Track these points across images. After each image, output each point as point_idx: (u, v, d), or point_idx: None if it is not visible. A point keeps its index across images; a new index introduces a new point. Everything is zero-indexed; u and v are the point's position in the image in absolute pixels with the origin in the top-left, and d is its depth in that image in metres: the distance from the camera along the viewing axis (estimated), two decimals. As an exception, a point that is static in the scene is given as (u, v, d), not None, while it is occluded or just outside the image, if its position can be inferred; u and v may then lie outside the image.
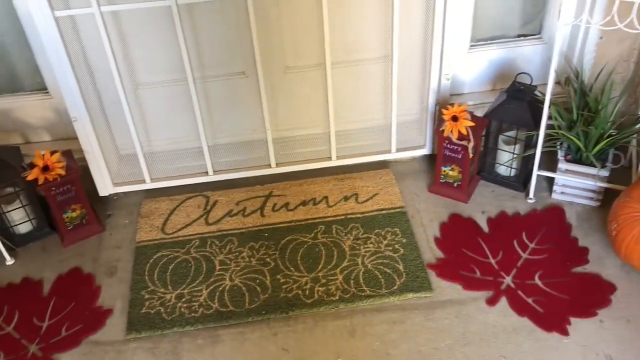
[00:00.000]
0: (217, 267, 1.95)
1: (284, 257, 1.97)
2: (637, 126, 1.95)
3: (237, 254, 2.00)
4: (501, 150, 2.14)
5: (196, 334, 1.78)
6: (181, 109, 2.14)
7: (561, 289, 1.82)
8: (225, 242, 2.04)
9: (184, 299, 1.86)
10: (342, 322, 1.79)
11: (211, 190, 2.23)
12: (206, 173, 2.20)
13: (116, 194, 2.24)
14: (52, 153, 1.96)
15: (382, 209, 2.12)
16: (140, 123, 2.17)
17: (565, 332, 1.71)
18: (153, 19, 1.95)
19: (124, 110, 2.03)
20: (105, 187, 2.17)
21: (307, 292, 1.86)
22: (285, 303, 1.83)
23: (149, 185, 2.20)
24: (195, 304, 1.85)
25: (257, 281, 1.90)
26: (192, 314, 1.82)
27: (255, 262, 1.96)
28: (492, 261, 1.92)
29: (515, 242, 1.97)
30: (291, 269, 1.93)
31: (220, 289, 1.88)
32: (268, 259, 1.97)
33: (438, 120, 2.13)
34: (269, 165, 2.22)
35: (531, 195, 2.11)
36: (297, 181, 2.24)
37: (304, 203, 2.16)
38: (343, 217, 2.10)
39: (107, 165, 2.13)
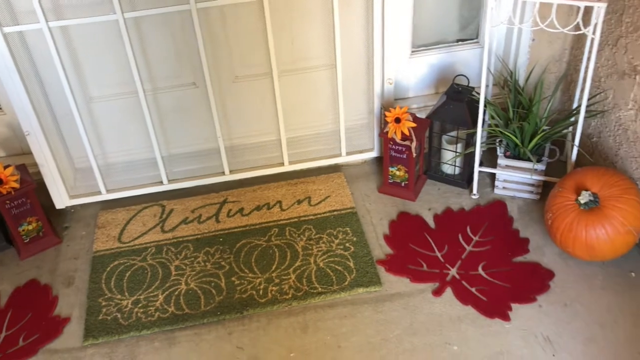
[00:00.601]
0: (173, 273, 2.00)
1: (238, 260, 2.03)
2: (567, 121, 2.07)
3: (192, 259, 2.05)
4: (445, 149, 2.24)
5: (153, 337, 1.82)
6: (134, 121, 2.20)
7: (503, 278, 1.92)
8: (180, 248, 2.09)
9: (140, 305, 1.90)
10: (295, 319, 1.85)
11: (167, 199, 2.28)
12: (161, 183, 2.25)
13: (73, 207, 2.27)
14: (6, 167, 1.99)
15: (334, 210, 2.19)
16: (94, 136, 2.22)
17: (506, 318, 1.80)
18: (102, 33, 2.01)
19: (77, 123, 2.08)
20: (61, 199, 2.20)
21: (261, 292, 1.92)
22: (240, 303, 1.89)
23: (105, 196, 2.24)
24: (151, 308, 1.89)
25: (213, 284, 1.95)
26: (149, 318, 1.86)
27: (210, 266, 2.02)
28: (438, 254, 2.01)
29: (460, 236, 2.07)
30: (245, 271, 1.99)
31: (176, 293, 1.93)
32: (223, 263, 2.02)
33: (384, 123, 2.22)
34: (223, 173, 2.28)
35: (475, 191, 2.20)
36: (251, 187, 2.31)
37: (258, 208, 2.22)
38: (296, 219, 2.17)
39: (62, 178, 2.17)
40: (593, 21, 1.77)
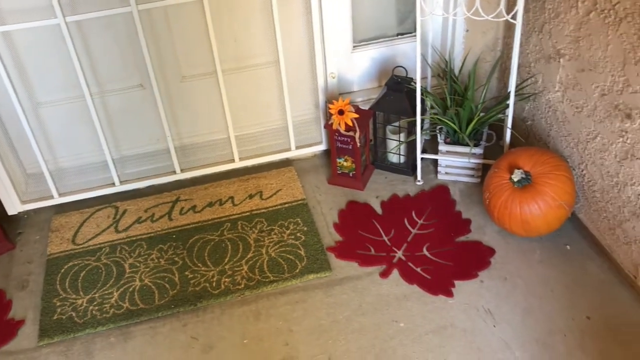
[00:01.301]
0: (127, 271, 2.03)
1: (191, 255, 2.07)
2: (500, 105, 2.17)
3: (146, 256, 2.08)
4: (389, 139, 2.32)
5: (108, 333, 1.85)
6: (83, 125, 2.23)
7: (446, 257, 2.00)
8: (134, 247, 2.12)
9: (95, 303, 1.93)
10: (248, 307, 1.90)
11: (120, 201, 2.31)
12: (113, 184, 2.29)
13: (26, 212, 2.28)
14: (-46, 175, 2.01)
15: (285, 203, 2.26)
16: (44, 141, 2.24)
17: (450, 294, 1.88)
18: (45, 38, 2.04)
19: (25, 129, 2.10)
20: (13, 205, 2.22)
21: (214, 284, 1.97)
22: (194, 296, 1.93)
23: (58, 200, 2.26)
24: (106, 305, 1.92)
25: (166, 279, 1.99)
26: (104, 315, 1.89)
27: (164, 262, 2.06)
28: (385, 239, 2.09)
29: (405, 220, 2.15)
30: (199, 265, 2.04)
31: (131, 289, 1.97)
32: (176, 258, 2.07)
33: (329, 116, 2.29)
34: (174, 172, 2.33)
35: (419, 178, 2.29)
36: (203, 185, 2.36)
37: (210, 204, 2.27)
38: (248, 213, 2.23)
39: (13, 184, 2.18)
40: (515, 8, 1.88)
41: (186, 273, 2.01)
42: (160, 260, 2.07)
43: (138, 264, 2.05)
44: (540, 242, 2.03)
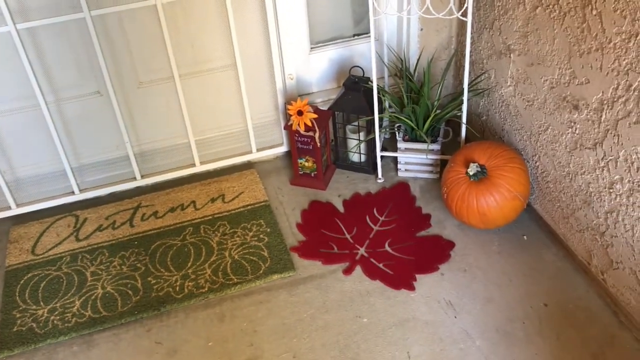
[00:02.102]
0: (89, 279, 2.01)
1: (154, 261, 2.06)
2: (455, 102, 2.22)
3: (108, 264, 2.07)
4: (349, 139, 2.35)
5: (71, 343, 1.83)
6: (40, 134, 2.20)
7: (408, 252, 2.03)
8: (96, 255, 2.10)
9: (56, 312, 1.90)
10: (212, 310, 1.90)
11: (80, 209, 2.28)
12: (73, 193, 2.26)
13: (-17, 225, 2.25)
14: None
15: (247, 205, 2.26)
16: (0, 151, 2.20)
17: (411, 288, 1.91)
18: (-3, 46, 2.01)
19: (-21, 139, 2.07)
20: (-31, 218, 2.18)
21: (178, 288, 1.96)
22: (157, 301, 1.92)
23: (16, 211, 2.23)
24: (68, 315, 1.90)
25: (129, 286, 1.98)
26: (66, 325, 1.86)
27: (126, 269, 2.04)
28: (348, 236, 2.11)
29: (367, 218, 2.17)
30: (161, 270, 2.03)
31: (93, 297, 1.95)
32: (139, 265, 2.05)
33: (288, 117, 2.31)
34: (135, 179, 2.31)
35: (380, 175, 2.32)
36: (165, 190, 2.35)
37: (172, 210, 2.27)
38: (210, 217, 2.22)
39: (-32, 197, 2.15)
40: (465, 6, 1.93)
41: (149, 279, 2.00)
42: (123, 267, 2.05)
43: (100, 272, 2.03)
44: (498, 234, 2.07)
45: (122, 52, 2.15)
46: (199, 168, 2.38)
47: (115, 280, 2.00)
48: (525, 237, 2.05)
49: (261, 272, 2.00)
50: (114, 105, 2.14)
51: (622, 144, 1.58)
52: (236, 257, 2.06)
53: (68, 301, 1.94)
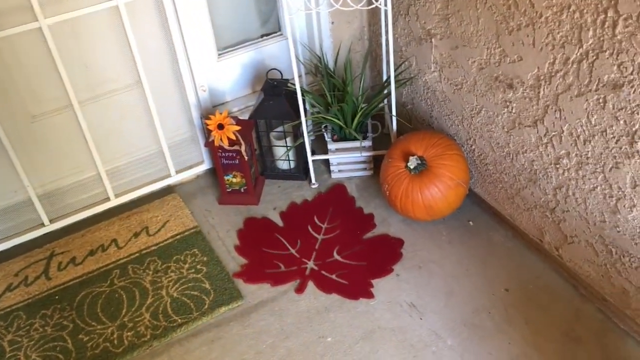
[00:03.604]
0: (8, 350, 1.74)
1: (82, 315, 1.82)
2: (381, 94, 2.14)
3: (28, 328, 1.80)
4: (275, 146, 2.21)
5: None
6: None
7: (358, 257, 1.93)
8: (11, 319, 1.82)
9: (-26, 397, 1.64)
10: (159, 359, 1.70)
11: (-18, 270, 1.99)
12: (-30, 252, 1.96)
13: None
14: None
15: (176, 235, 2.06)
16: None
17: (370, 295, 1.81)
18: None
19: None
20: None
21: (116, 341, 1.74)
22: (94, 361, 1.70)
23: None
24: (-11, 398, 1.63)
25: (58, 349, 1.73)
26: (-12, 410, 1.60)
27: (51, 330, 1.79)
28: (293, 251, 1.97)
29: (309, 227, 2.05)
30: (93, 323, 1.80)
31: (16, 371, 1.69)
32: (65, 322, 1.80)
33: (208, 133, 2.13)
34: (43, 224, 2.05)
35: (313, 180, 2.20)
36: (79, 232, 2.09)
37: (91, 253, 2.02)
38: (137, 254, 2.00)
39: None
40: (381, -6, 1.84)
41: (80, 336, 1.76)
42: (46, 328, 1.79)
43: (19, 339, 1.77)
44: (445, 223, 2.02)
45: (6, 85, 1.87)
46: (115, 201, 2.14)
47: (40, 346, 1.74)
48: (471, 222, 2.02)
49: (206, 306, 1.82)
50: (7, 145, 1.86)
51: (565, 119, 1.55)
52: (175, 294, 1.86)
53: (-14, 381, 1.67)
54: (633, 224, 1.50)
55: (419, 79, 2.10)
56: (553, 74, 1.53)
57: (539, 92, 1.60)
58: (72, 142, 2.03)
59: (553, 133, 1.61)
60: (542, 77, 1.57)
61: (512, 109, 1.72)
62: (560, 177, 1.65)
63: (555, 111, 1.57)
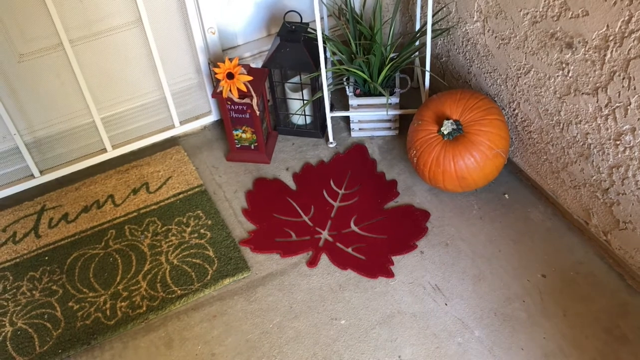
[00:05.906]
0: (-8, 315, 1.60)
1: (73, 280, 1.66)
2: (414, 45, 1.89)
3: (14, 291, 1.65)
4: (291, 99, 1.98)
5: (-22, 405, 1.45)
6: None
7: (378, 230, 1.74)
8: (-4, 281, 1.68)
9: (-47, 367, 1.50)
10: (155, 334, 1.55)
11: (-33, 223, 1.83)
12: (-47, 204, 1.79)
13: None
14: None
15: (179, 193, 1.87)
16: None
17: (390, 274, 1.63)
18: None
19: None
20: None
21: (108, 312, 1.59)
22: (85, 333, 1.54)
23: None
24: (-31, 368, 1.50)
25: (46, 316, 1.58)
26: (-32, 382, 1.47)
27: (39, 294, 1.63)
28: (306, 219, 1.78)
29: (325, 193, 1.85)
30: (84, 290, 1.64)
31: (1, 339, 1.54)
32: (54, 287, 1.65)
33: (216, 81, 1.91)
34: (33, 176, 1.86)
35: (331, 139, 1.99)
36: (73, 185, 1.91)
37: (85, 209, 1.84)
38: (135, 213, 1.83)
39: None
40: None
41: (70, 304, 1.61)
42: (34, 292, 1.64)
43: (5, 303, 1.62)
44: (476, 195, 1.81)
45: (-11, 18, 1.64)
46: (112, 153, 1.95)
47: (27, 312, 1.59)
48: (506, 195, 1.81)
49: (209, 277, 1.65)
50: (-11, 88, 1.66)
51: (634, 89, 1.31)
52: (175, 262, 1.69)
53: (-33, 349, 1.53)
54: None
55: (457, 29, 1.85)
56: (626, 35, 1.28)
57: (604, 55, 1.35)
58: (64, 85, 1.81)
59: (617, 104, 1.37)
60: (611, 38, 1.32)
61: (568, 72, 1.48)
62: (619, 156, 1.43)
63: (623, 79, 1.33)
